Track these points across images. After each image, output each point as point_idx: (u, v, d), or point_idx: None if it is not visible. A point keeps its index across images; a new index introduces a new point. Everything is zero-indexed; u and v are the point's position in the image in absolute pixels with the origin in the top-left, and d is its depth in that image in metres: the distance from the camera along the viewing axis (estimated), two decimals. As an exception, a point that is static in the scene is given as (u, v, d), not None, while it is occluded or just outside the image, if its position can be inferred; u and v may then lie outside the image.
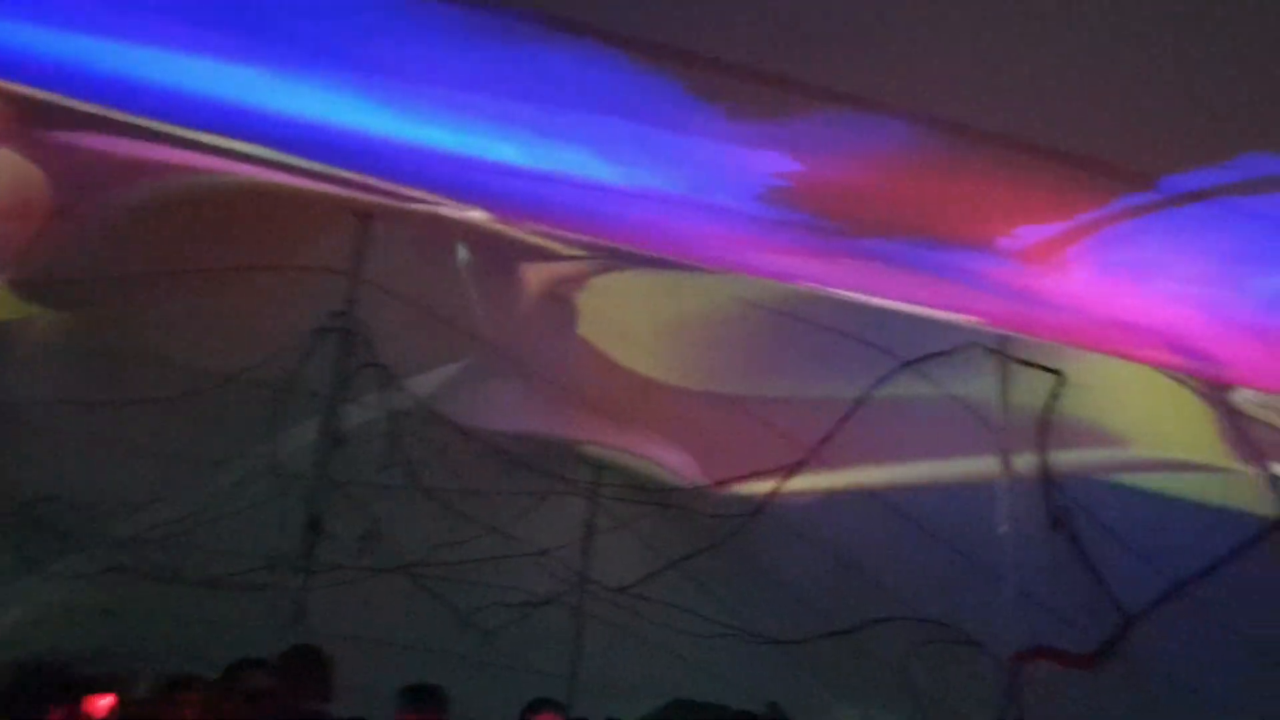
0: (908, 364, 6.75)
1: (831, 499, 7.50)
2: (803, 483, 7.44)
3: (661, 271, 6.34)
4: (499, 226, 6.12)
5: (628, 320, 7.20)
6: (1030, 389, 6.49)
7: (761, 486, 7.60)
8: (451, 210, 5.84)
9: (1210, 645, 5.81)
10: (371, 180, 4.42)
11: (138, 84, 2.62)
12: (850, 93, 1.98)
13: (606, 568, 8.47)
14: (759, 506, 7.54)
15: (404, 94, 2.42)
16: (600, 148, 2.51)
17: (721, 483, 7.83)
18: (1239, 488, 5.49)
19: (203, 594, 6.77)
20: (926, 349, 6.64)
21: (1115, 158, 2.10)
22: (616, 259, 6.12)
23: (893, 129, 2.05)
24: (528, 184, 2.90)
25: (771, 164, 2.33)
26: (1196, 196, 2.11)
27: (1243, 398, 5.48)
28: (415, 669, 6.66)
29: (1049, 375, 6.14)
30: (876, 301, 4.72)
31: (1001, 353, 6.38)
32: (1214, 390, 4.96)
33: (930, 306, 3.84)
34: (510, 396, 8.08)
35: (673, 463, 8.08)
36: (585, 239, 4.26)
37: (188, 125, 3.12)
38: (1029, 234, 2.47)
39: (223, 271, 7.12)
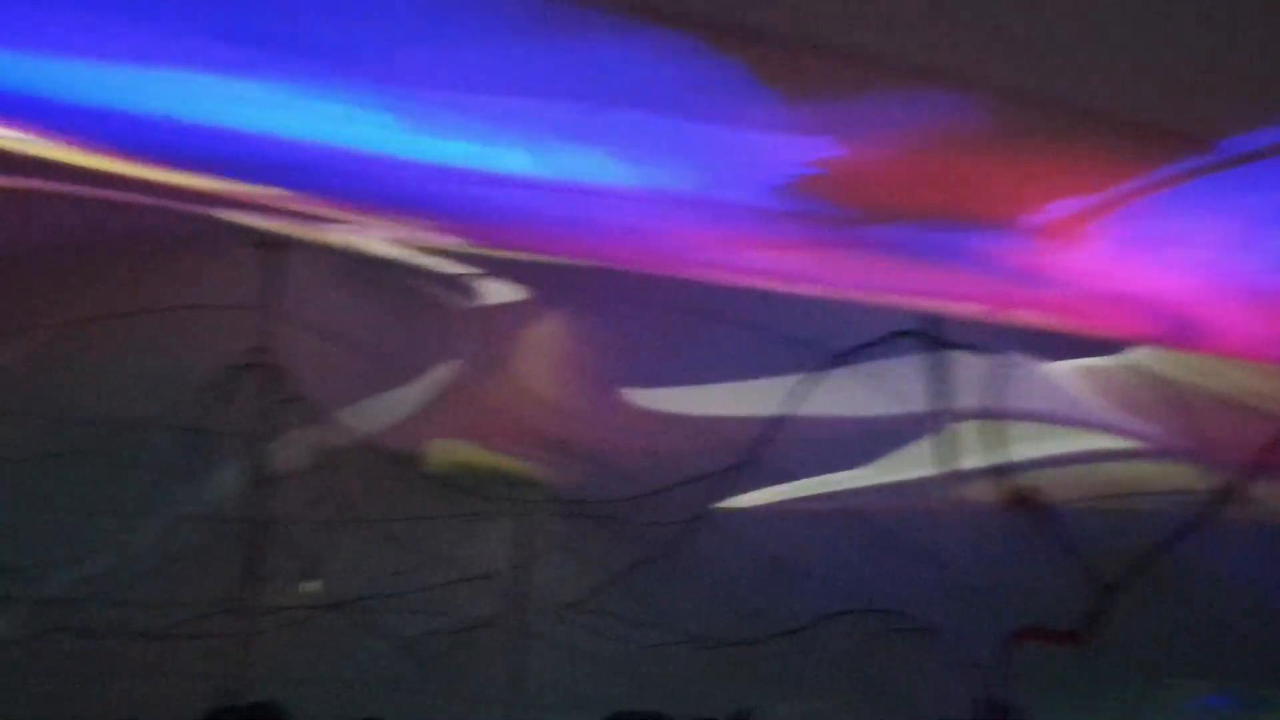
0: (838, 356, 6.77)
1: (772, 500, 7.51)
2: (741, 486, 7.43)
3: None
4: (421, 253, 6.02)
5: (558, 341, 7.13)
6: (965, 372, 6.59)
7: (699, 493, 7.56)
8: (370, 237, 5.72)
9: (1172, 614, 5.97)
10: (303, 204, 4.26)
11: (113, 113, 2.43)
12: (917, 65, 1.94)
13: (548, 585, 8.35)
14: (698, 513, 7.49)
15: (423, 102, 2.30)
16: (619, 148, 2.43)
17: (657, 491, 7.77)
18: (1178, 470, 5.67)
19: (141, 650, 6.46)
20: (850, 339, 6.68)
21: (1174, 121, 2.10)
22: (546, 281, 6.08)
23: (951, 103, 2.03)
24: (523, 193, 2.80)
25: (814, 150, 2.29)
26: (1251, 157, 2.13)
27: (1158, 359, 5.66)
28: (360, 704, 6.47)
29: (988, 358, 6.23)
30: (827, 293, 4.73)
31: (938, 339, 6.45)
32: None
33: (905, 294, 3.84)
34: (436, 420, 7.92)
35: (606, 474, 8.01)
36: (553, 255, 4.17)
37: (149, 155, 2.91)
38: (1058, 209, 2.48)
39: (131, 315, 6.83)
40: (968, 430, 6.58)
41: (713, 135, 2.34)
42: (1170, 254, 2.73)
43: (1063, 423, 6.35)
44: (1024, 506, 5.81)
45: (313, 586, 7.07)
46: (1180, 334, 3.64)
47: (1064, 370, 6.16)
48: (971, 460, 6.53)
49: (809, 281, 3.88)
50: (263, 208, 4.62)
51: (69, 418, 6.58)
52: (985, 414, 6.33)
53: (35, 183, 4.92)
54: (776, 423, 6.99)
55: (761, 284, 4.22)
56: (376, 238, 5.70)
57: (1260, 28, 1.79)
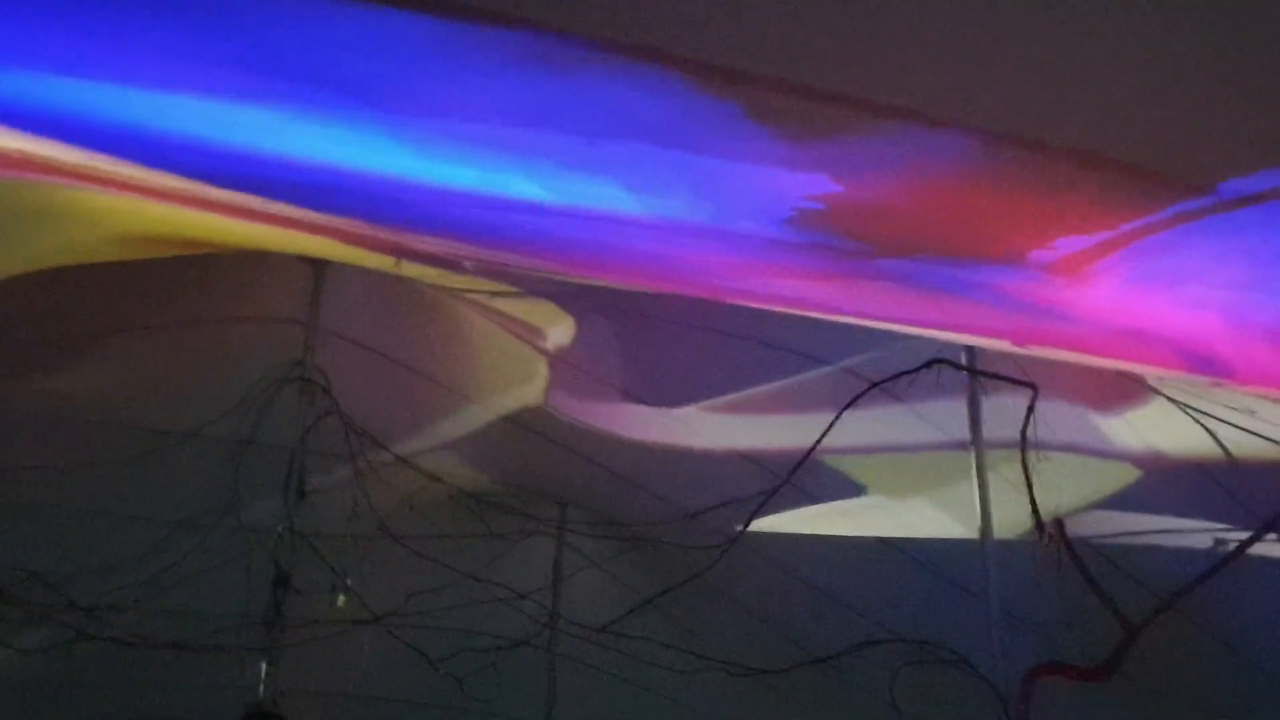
0: (876, 384, 6.76)
1: (807, 526, 7.49)
2: (777, 511, 7.42)
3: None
4: (456, 269, 6.06)
5: (594, 360, 7.16)
6: (1001, 403, 6.55)
7: (734, 517, 7.55)
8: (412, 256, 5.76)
9: (1200, 654, 5.87)
10: (336, 222, 4.32)
11: (136, 130, 2.52)
12: (907, 107, 1.95)
13: (581, 607, 8.36)
14: (733, 537, 7.48)
15: (430, 130, 2.35)
16: (627, 178, 2.46)
17: (693, 514, 7.76)
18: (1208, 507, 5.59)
19: (171, 659, 6.55)
20: (888, 366, 6.68)
21: (1173, 164, 2.09)
22: (581, 301, 6.11)
23: (944, 144, 2.03)
24: (535, 219, 2.84)
25: (810, 186, 2.30)
26: (1254, 199, 2.11)
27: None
28: (390, 720, 6.50)
29: (1023, 390, 6.19)
30: (852, 321, 4.72)
31: (972, 369, 6.43)
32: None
33: (928, 325, 3.83)
34: (476, 438, 7.98)
35: (642, 496, 8.01)
36: (577, 276, 4.21)
37: (181, 173, 3.01)
38: (1066, 245, 2.47)
39: (173, 327, 6.94)
40: (1002, 461, 6.54)
41: (714, 168, 2.36)
42: (1185, 291, 2.70)
43: (1094, 456, 6.29)
44: (1052, 540, 5.76)
45: (343, 601, 7.13)
46: (1205, 370, 3.60)
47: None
48: (1005, 492, 6.48)
49: (834, 310, 3.89)
50: (308, 225, 4.68)
51: (109, 426, 6.71)
52: (1019, 445, 6.28)
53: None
54: (813, 448, 6.98)
55: (791, 310, 4.24)
56: (418, 257, 5.74)
57: (1259, 72, 1.78)
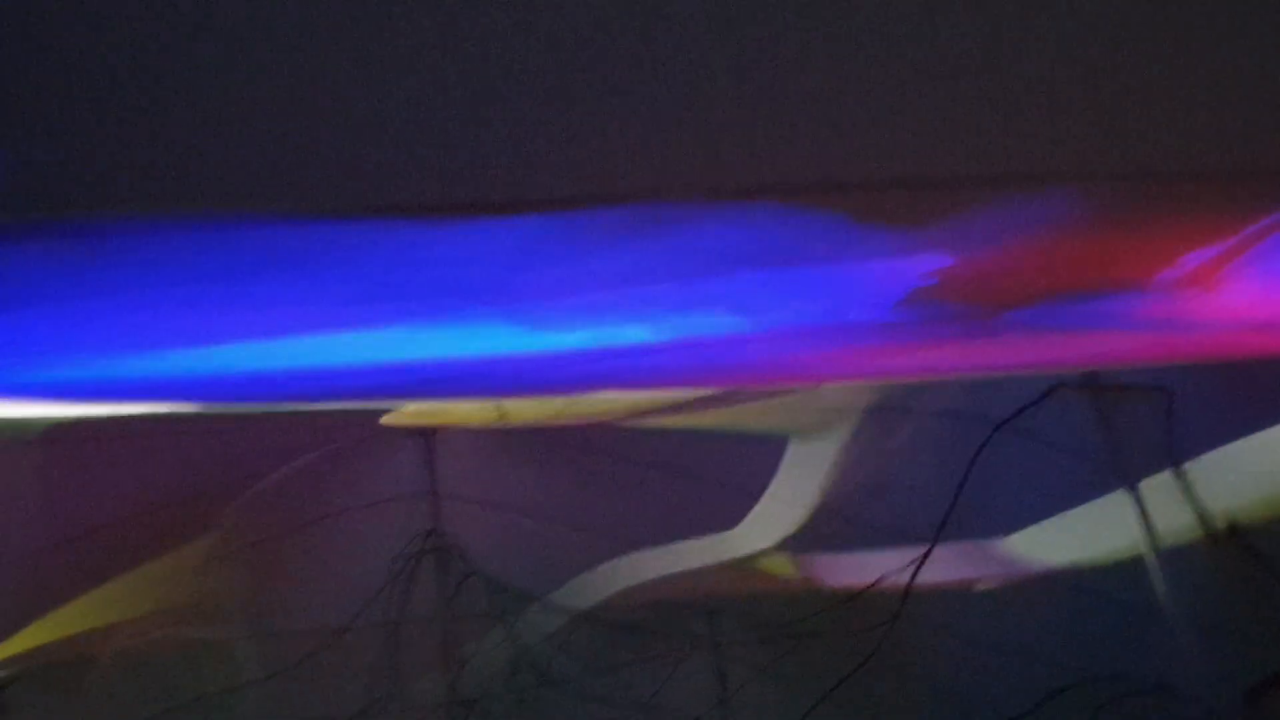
0: (1001, 424, 6.60)
1: (968, 579, 7.27)
2: (934, 571, 7.21)
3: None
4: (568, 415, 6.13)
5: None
6: (1135, 413, 6.35)
7: (894, 589, 7.35)
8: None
9: None
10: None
11: (262, 375, 2.63)
12: (1019, 172, 1.94)
13: (758, 717, 8.17)
14: (896, 610, 7.27)
15: (541, 308, 2.41)
16: (736, 304, 2.48)
17: (851, 597, 7.59)
18: None
19: None
20: (1007, 403, 6.51)
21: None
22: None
23: (1063, 198, 2.01)
24: (648, 359, 2.87)
25: (925, 265, 2.30)
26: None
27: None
28: None
29: (1153, 394, 6.00)
30: (964, 378, 4.64)
31: (1097, 386, 6.25)
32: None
33: (1050, 365, 3.76)
34: (615, 568, 7.95)
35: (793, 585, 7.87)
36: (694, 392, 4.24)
37: (314, 399, 3.13)
38: (1193, 260, 2.42)
39: (301, 526, 7.08)
40: (1150, 471, 6.32)
41: (825, 274, 2.37)
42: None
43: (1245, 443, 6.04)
44: (1228, 540, 5.50)
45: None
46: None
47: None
48: (1162, 502, 6.24)
49: (956, 370, 3.84)
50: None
51: (271, 634, 6.82)
52: (1163, 451, 6.07)
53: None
54: (952, 506, 6.81)
55: (911, 380, 4.20)
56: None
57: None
